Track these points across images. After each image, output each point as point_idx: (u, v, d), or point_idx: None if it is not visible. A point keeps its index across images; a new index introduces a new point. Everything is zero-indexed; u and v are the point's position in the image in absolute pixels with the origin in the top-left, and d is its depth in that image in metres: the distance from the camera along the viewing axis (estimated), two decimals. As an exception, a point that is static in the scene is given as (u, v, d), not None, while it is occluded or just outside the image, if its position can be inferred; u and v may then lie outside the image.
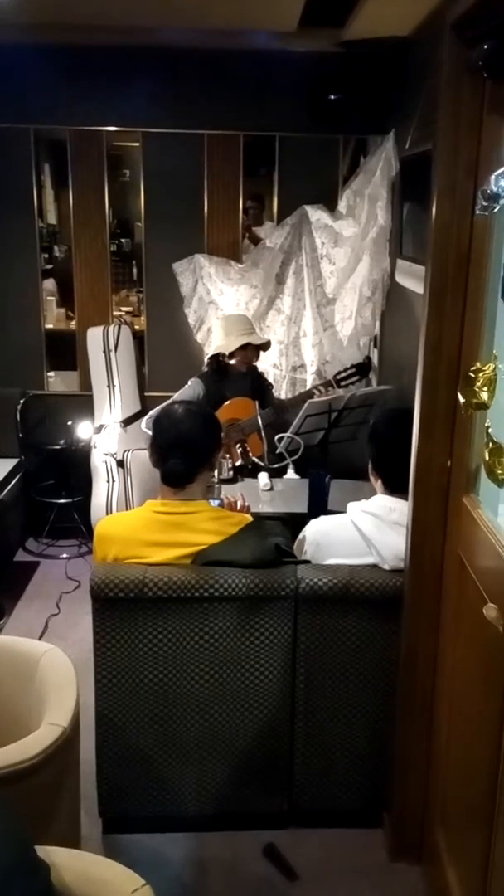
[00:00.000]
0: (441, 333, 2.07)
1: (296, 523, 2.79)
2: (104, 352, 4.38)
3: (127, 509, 4.11)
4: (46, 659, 2.20)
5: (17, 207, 4.35)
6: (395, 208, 3.77)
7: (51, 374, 4.69)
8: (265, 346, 3.99)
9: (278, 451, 3.59)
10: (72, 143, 4.30)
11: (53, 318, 5.10)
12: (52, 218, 5.99)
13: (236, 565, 2.32)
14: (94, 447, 4.34)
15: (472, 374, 1.85)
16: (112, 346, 4.38)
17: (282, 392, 4.34)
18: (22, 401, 4.46)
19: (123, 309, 5.62)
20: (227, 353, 3.85)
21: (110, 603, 2.29)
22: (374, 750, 2.45)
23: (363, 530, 2.41)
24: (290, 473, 3.64)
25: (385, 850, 2.44)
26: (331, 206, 4.21)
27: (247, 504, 2.90)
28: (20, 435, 4.46)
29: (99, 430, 4.37)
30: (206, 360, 4.07)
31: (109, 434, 4.32)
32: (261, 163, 4.69)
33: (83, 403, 4.52)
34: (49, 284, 5.16)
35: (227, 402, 3.83)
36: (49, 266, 5.34)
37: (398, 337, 3.86)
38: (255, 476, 3.53)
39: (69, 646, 2.70)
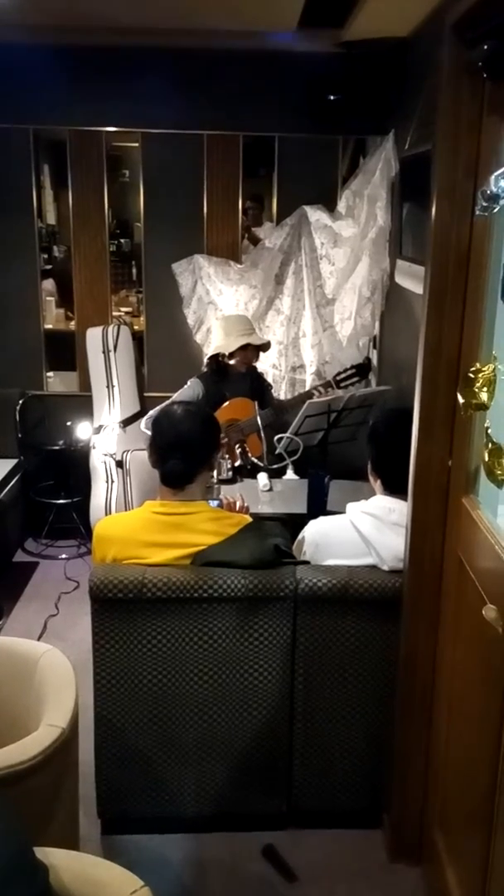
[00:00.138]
0: (441, 334, 2.07)
1: (295, 524, 2.79)
2: (103, 352, 4.38)
3: (126, 510, 4.11)
4: (45, 660, 2.19)
5: (16, 208, 4.35)
6: (395, 209, 3.77)
7: (50, 374, 4.69)
8: (265, 346, 3.99)
9: (277, 451, 3.59)
10: (71, 143, 4.30)
11: (53, 318, 5.10)
12: (51, 218, 6.00)
13: (235, 566, 2.31)
14: (94, 448, 4.34)
15: (472, 375, 1.85)
16: (111, 347, 4.38)
17: (281, 393, 4.34)
18: (21, 401, 4.46)
19: (123, 309, 5.62)
20: (226, 354, 3.85)
21: (109, 603, 2.29)
22: (374, 751, 2.45)
23: (362, 531, 2.41)
24: (290, 474, 3.63)
25: (384, 851, 2.44)
26: (330, 206, 4.21)
27: (246, 505, 2.90)
28: (19, 435, 4.46)
29: (98, 430, 4.37)
30: (205, 360, 4.07)
31: (109, 434, 4.31)
32: (260, 163, 4.70)
33: (82, 404, 4.52)
34: (48, 285, 5.16)
35: (227, 403, 3.83)
36: (48, 266, 5.34)
37: (398, 337, 3.86)
38: (254, 477, 3.53)
39: (68, 646, 2.69)
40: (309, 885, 2.33)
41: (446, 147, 1.98)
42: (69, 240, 4.55)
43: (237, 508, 2.85)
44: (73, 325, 4.69)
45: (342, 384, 3.91)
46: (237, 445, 3.66)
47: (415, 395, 2.15)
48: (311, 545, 2.48)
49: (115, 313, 4.90)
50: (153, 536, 2.36)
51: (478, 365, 1.88)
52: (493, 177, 1.67)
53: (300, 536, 2.56)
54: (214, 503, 2.74)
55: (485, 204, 1.71)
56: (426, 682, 2.27)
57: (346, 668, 2.39)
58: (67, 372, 4.73)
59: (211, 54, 4.00)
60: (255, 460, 3.59)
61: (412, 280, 3.38)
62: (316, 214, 4.19)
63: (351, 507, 2.48)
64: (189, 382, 3.85)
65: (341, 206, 4.18)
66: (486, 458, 1.77)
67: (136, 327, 4.90)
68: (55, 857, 1.55)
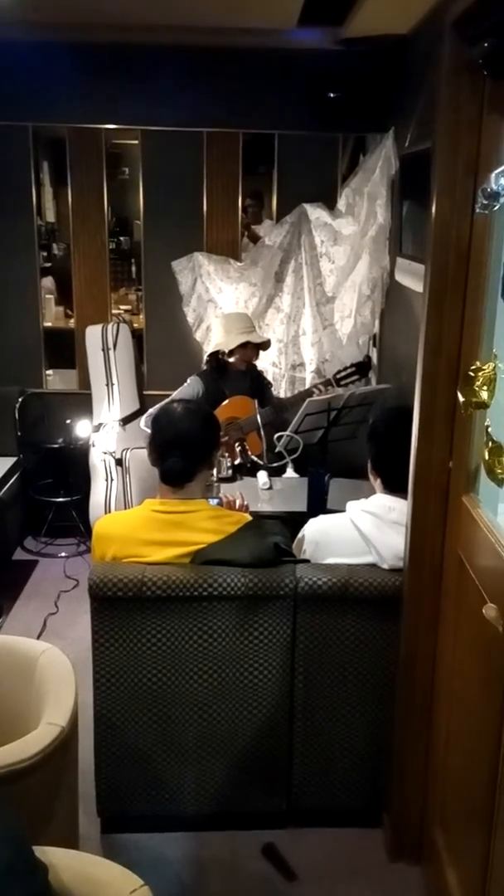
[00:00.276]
0: (441, 332, 2.06)
1: (295, 522, 2.78)
2: (103, 350, 4.37)
3: (126, 508, 4.11)
4: (45, 658, 2.19)
5: (15, 205, 4.34)
6: (395, 206, 3.77)
7: (49, 372, 4.69)
8: (265, 344, 3.99)
9: (277, 449, 3.59)
10: (71, 140, 4.30)
11: (52, 316, 5.09)
12: (50, 216, 5.99)
13: (235, 564, 2.31)
14: (93, 446, 4.33)
15: (472, 373, 1.84)
16: (111, 345, 4.37)
17: (281, 391, 4.34)
18: (20, 399, 4.46)
19: (122, 307, 5.62)
20: (226, 351, 3.84)
21: (109, 602, 2.28)
22: (374, 749, 2.45)
23: (362, 529, 2.41)
24: (290, 472, 3.63)
25: (384, 850, 2.44)
26: (330, 204, 4.21)
27: (246, 503, 2.90)
28: (19, 433, 4.46)
29: (98, 428, 4.36)
30: (205, 358, 4.07)
31: (108, 432, 4.31)
32: (260, 161, 4.69)
33: (82, 402, 4.52)
34: (48, 282, 5.15)
35: (227, 401, 3.82)
36: (48, 264, 5.34)
37: (397, 335, 3.86)
38: (254, 475, 3.53)
39: (68, 645, 2.69)
40: (309, 883, 2.33)
41: (446, 145, 1.97)
42: (69, 237, 4.55)
43: (237, 507, 2.85)
44: (72, 322, 4.68)
45: (342, 382, 3.90)
46: (237, 444, 3.65)
47: (415, 393, 2.14)
48: (311, 544, 2.48)
49: (114, 311, 4.89)
50: (153, 535, 2.36)
51: (478, 363, 1.88)
52: (493, 174, 1.67)
53: (300, 535, 2.56)
54: (214, 501, 2.74)
55: (485, 202, 1.71)
56: (426, 680, 2.27)
57: (346, 666, 2.39)
58: (67, 370, 4.73)
59: (211, 51, 4.00)
60: (255, 458, 3.59)
61: (412, 278, 3.38)
62: (316, 212, 4.18)
63: (351, 505, 2.48)
64: (189, 380, 3.84)
65: (341, 203, 4.17)
66: (487, 457, 1.77)
67: (135, 325, 4.89)
68: (54, 856, 1.55)
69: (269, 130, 4.27)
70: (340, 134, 4.30)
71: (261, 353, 4.01)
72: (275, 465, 3.61)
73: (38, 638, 3.44)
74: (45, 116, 4.24)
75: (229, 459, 3.58)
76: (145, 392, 4.52)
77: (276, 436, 3.59)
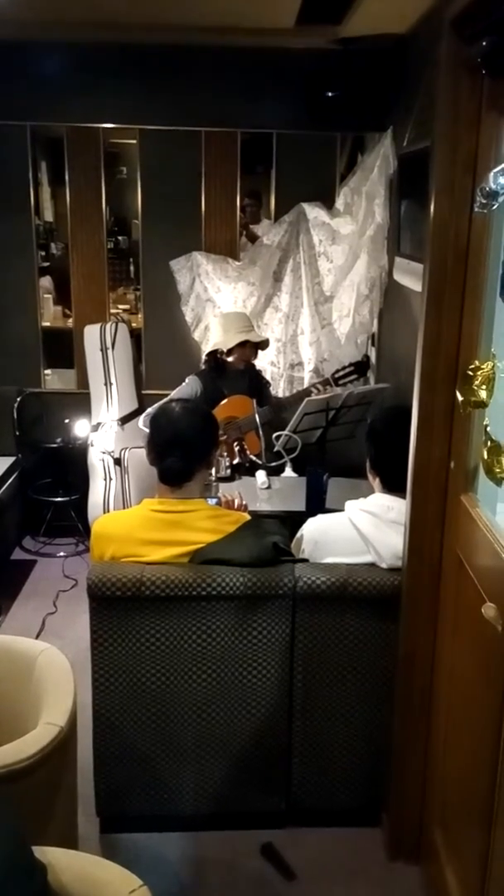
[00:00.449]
0: (439, 331, 2.06)
1: (294, 522, 2.78)
2: (101, 350, 4.37)
3: (124, 507, 4.10)
4: (43, 658, 2.19)
5: (13, 205, 4.34)
6: (393, 206, 3.77)
7: (48, 371, 4.69)
8: (263, 344, 3.99)
9: (276, 449, 3.59)
10: (69, 140, 4.29)
11: (50, 315, 5.08)
12: (48, 215, 5.98)
13: (234, 564, 2.31)
14: (92, 445, 4.33)
15: (471, 373, 1.84)
16: (109, 344, 4.37)
17: (279, 390, 4.33)
18: (19, 399, 4.45)
19: (120, 306, 5.61)
20: (224, 351, 3.84)
21: (107, 602, 2.28)
22: (373, 749, 2.45)
23: (361, 529, 2.41)
24: (288, 472, 3.63)
25: (383, 850, 2.44)
26: (328, 203, 4.21)
27: (244, 502, 2.89)
28: (17, 433, 4.45)
29: (96, 428, 4.36)
30: (203, 357, 4.07)
31: (106, 432, 4.31)
32: (258, 160, 4.68)
33: (80, 401, 4.51)
34: (46, 282, 5.15)
35: (225, 400, 3.82)
36: (46, 264, 5.33)
37: (396, 335, 3.86)
38: (252, 474, 3.53)
39: (66, 645, 2.69)
40: (308, 883, 2.33)
41: (445, 144, 1.97)
42: (67, 237, 4.54)
43: (235, 506, 2.84)
44: (70, 322, 4.68)
45: (340, 382, 3.90)
46: (235, 443, 3.65)
47: (413, 392, 2.14)
48: (310, 543, 2.48)
49: (112, 311, 4.89)
50: (151, 534, 2.36)
51: (477, 362, 1.87)
52: (491, 173, 1.67)
53: (299, 534, 2.56)
54: (213, 501, 2.74)
55: (483, 201, 1.70)
56: (425, 680, 2.27)
57: (345, 666, 2.38)
58: (65, 369, 4.73)
59: (209, 51, 3.99)
60: (254, 458, 3.58)
61: (410, 277, 3.38)
62: (314, 211, 4.18)
63: (349, 504, 2.48)
64: (187, 380, 3.84)
65: (339, 203, 4.17)
66: (485, 456, 1.76)
67: (133, 325, 4.89)
68: (53, 856, 1.55)
69: (268, 130, 4.27)
70: (339, 133, 4.30)
71: (259, 352, 4.01)
72: (273, 464, 3.61)
73: (36, 638, 3.43)
74: (43, 116, 4.23)
75: (228, 459, 3.57)
76: (144, 391, 4.52)
77: (274, 435, 3.59)
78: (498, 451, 1.73)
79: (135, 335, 4.58)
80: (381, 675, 2.38)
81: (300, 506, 3.12)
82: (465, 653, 2.00)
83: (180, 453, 2.36)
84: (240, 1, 3.22)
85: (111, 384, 4.38)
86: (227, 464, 3.56)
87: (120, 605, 2.28)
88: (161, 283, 4.39)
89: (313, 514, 2.61)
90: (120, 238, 6.35)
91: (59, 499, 4.57)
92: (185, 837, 2.48)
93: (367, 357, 4.14)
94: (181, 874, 2.36)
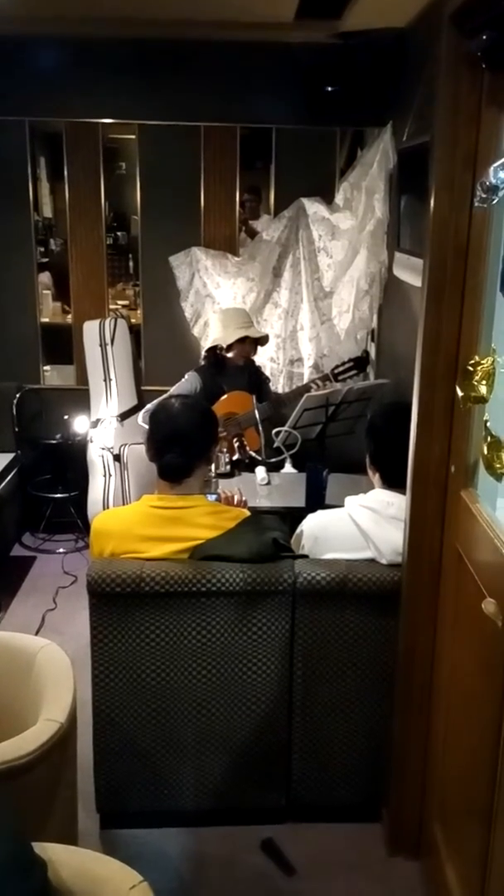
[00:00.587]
0: (439, 327, 2.06)
1: (293, 517, 2.78)
2: (100, 346, 4.36)
3: (124, 504, 4.10)
4: (43, 654, 2.19)
5: (12, 201, 4.33)
6: (393, 201, 3.76)
7: (47, 368, 4.68)
8: (263, 339, 3.98)
9: (276, 445, 3.58)
10: (68, 135, 4.28)
11: (49, 311, 5.08)
12: (47, 211, 5.98)
13: (234, 560, 2.31)
14: (91, 441, 4.33)
15: (471, 368, 1.84)
16: (108, 340, 4.36)
17: (279, 386, 4.33)
18: (18, 395, 4.45)
19: (120, 302, 5.61)
20: (224, 347, 3.84)
21: (107, 598, 2.28)
22: (373, 744, 2.45)
23: (361, 525, 2.40)
24: (288, 468, 3.63)
25: (383, 845, 2.44)
26: (328, 198, 4.20)
27: (244, 498, 2.89)
28: (16, 429, 4.45)
29: (95, 424, 4.35)
30: (203, 353, 4.06)
31: (106, 428, 4.30)
32: (257, 155, 4.68)
33: (79, 397, 4.51)
34: (45, 278, 5.14)
35: (225, 396, 3.82)
36: (45, 260, 5.33)
37: (396, 330, 3.85)
38: (252, 470, 3.52)
39: (66, 641, 2.70)
40: (308, 878, 2.33)
41: (445, 138, 1.96)
42: (66, 233, 4.53)
43: (235, 502, 2.84)
44: (69, 318, 4.67)
45: (340, 377, 3.90)
46: (235, 439, 3.65)
47: (413, 388, 2.14)
48: (310, 539, 2.48)
49: (111, 306, 4.88)
50: (151, 530, 2.35)
51: (476, 358, 1.87)
52: (491, 168, 1.66)
53: (298, 530, 2.56)
54: (212, 497, 2.74)
55: (483, 195, 1.70)
56: (425, 675, 2.27)
57: (345, 661, 2.38)
58: (64, 365, 4.72)
59: (208, 45, 3.98)
60: (253, 454, 3.58)
61: (410, 273, 3.37)
62: (314, 207, 4.17)
63: (349, 500, 2.48)
64: (186, 376, 3.84)
65: (339, 198, 4.16)
66: (485, 452, 1.76)
67: (133, 320, 4.88)
68: (53, 853, 1.55)
69: (267, 125, 4.26)
70: (338, 128, 4.29)
71: (259, 348, 4.00)
72: (273, 460, 3.60)
73: (36, 634, 3.42)
74: (41, 111, 4.22)
75: (227, 455, 3.57)
76: (143, 387, 4.51)
77: (274, 431, 3.59)
78: (498, 447, 1.72)
79: (134, 331, 4.57)
80: (381, 671, 2.38)
81: (300, 502, 3.12)
82: (465, 648, 1.99)
83: (180, 449, 2.35)
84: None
85: (110, 380, 4.38)
86: (227, 460, 3.55)
87: (120, 602, 2.28)
88: (160, 279, 4.39)
89: (313, 510, 2.61)
90: (119, 234, 6.34)
91: (58, 495, 4.56)
92: (185, 833, 2.48)
93: (366, 353, 4.14)
94: (181, 870, 2.36)
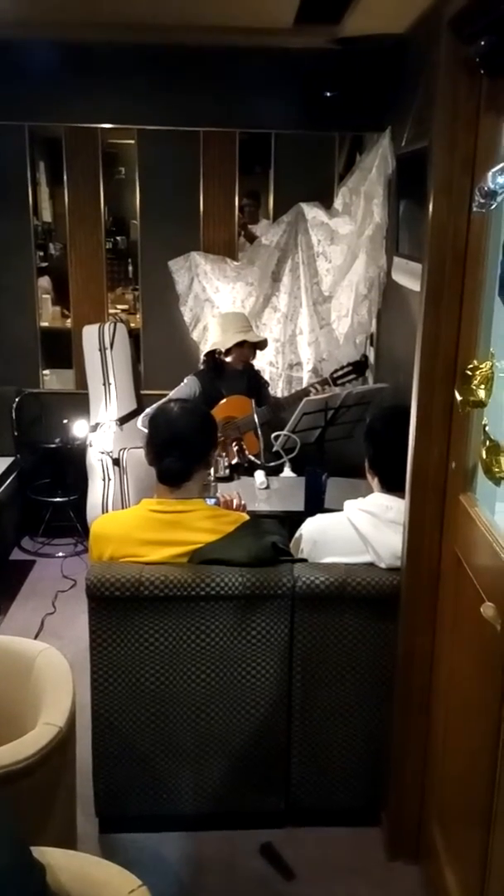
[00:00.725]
0: (438, 331, 2.06)
1: (292, 521, 2.78)
2: (100, 350, 4.37)
3: (123, 508, 4.10)
4: (42, 658, 2.19)
5: (12, 205, 4.34)
6: (392, 206, 3.77)
7: (46, 372, 4.68)
8: (262, 344, 3.99)
9: (275, 449, 3.59)
10: (67, 140, 4.29)
11: (49, 316, 5.08)
12: (47, 216, 5.98)
13: (233, 564, 2.31)
14: (90, 445, 4.33)
15: (469, 372, 1.84)
16: (108, 344, 4.37)
17: (278, 390, 4.33)
18: (17, 399, 4.45)
19: (119, 307, 5.61)
20: (223, 351, 3.84)
21: (106, 602, 2.28)
22: (372, 748, 2.45)
23: (360, 528, 2.40)
24: (287, 472, 3.63)
25: (382, 849, 2.43)
26: (327, 203, 4.20)
27: (243, 502, 2.89)
28: (15, 433, 4.45)
29: (95, 428, 4.36)
30: (202, 357, 4.07)
31: (105, 432, 4.31)
32: (257, 160, 4.68)
33: (79, 401, 4.51)
34: (44, 282, 5.15)
35: (224, 401, 3.82)
36: (44, 264, 5.33)
37: (394, 335, 3.86)
38: (251, 474, 3.53)
39: (65, 645, 2.70)
40: (307, 883, 2.33)
41: (443, 143, 1.97)
42: (65, 237, 4.54)
43: (234, 506, 2.85)
44: (69, 322, 4.68)
45: (339, 382, 3.91)
46: (234, 443, 3.65)
47: (412, 392, 2.14)
48: (309, 543, 2.48)
49: (111, 311, 4.88)
50: (150, 534, 2.35)
51: (475, 362, 1.87)
52: (490, 173, 1.67)
53: (297, 534, 2.56)
54: (211, 501, 2.74)
55: (482, 200, 1.70)
56: (424, 679, 2.27)
57: (344, 665, 2.38)
58: (64, 370, 4.72)
59: (207, 50, 3.99)
60: (252, 458, 3.59)
61: (409, 277, 3.38)
62: (313, 211, 4.18)
63: (348, 504, 2.48)
64: (186, 380, 3.84)
65: (338, 203, 4.17)
66: (484, 456, 1.76)
67: (132, 325, 4.88)
68: (52, 857, 1.55)
69: (266, 130, 4.27)
70: (337, 133, 4.30)
71: (258, 352, 4.01)
72: (272, 464, 3.61)
73: (35, 638, 3.43)
74: (41, 116, 4.23)
75: (226, 459, 3.57)
76: (142, 392, 4.51)
77: (273, 435, 3.59)
78: (496, 451, 1.73)
79: (133, 335, 4.58)
80: (380, 675, 2.38)
81: (299, 506, 3.12)
82: (464, 652, 2.00)
83: (179, 453, 2.36)
84: (238, 1, 3.22)
85: (110, 384, 4.38)
86: (226, 464, 3.56)
87: (119, 606, 2.28)
88: (159, 284, 4.39)
89: (312, 514, 2.61)
90: (118, 238, 6.35)
91: (57, 499, 4.56)
92: (184, 837, 2.47)
93: (365, 357, 4.14)
94: (180, 874, 2.36)
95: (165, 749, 2.41)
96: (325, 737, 2.44)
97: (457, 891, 2.02)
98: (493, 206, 1.72)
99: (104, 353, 4.37)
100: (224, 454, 3.58)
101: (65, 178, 4.35)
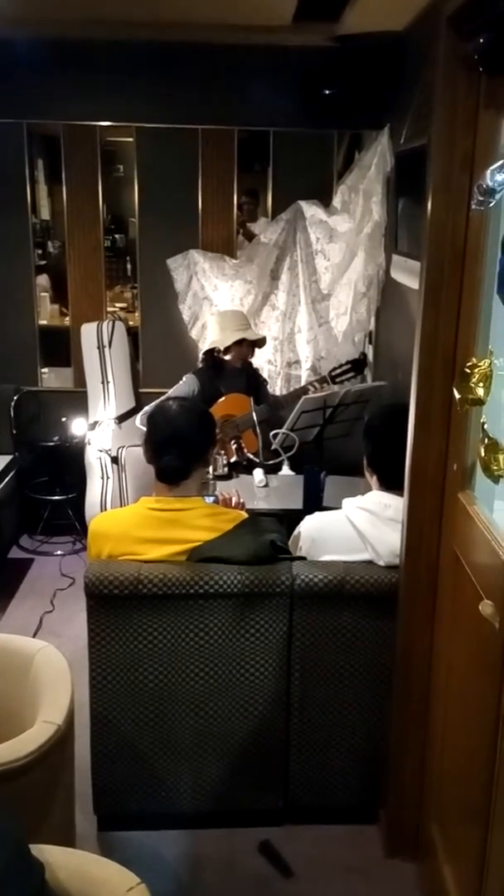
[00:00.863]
0: (436, 329, 2.06)
1: (291, 520, 2.78)
2: (98, 348, 4.37)
3: (121, 506, 4.10)
4: (41, 656, 2.19)
5: (10, 203, 4.33)
6: (390, 203, 3.76)
7: (44, 370, 4.68)
8: (260, 342, 3.98)
9: (273, 447, 3.59)
10: (65, 138, 4.29)
11: (47, 314, 5.08)
12: (45, 213, 5.98)
13: (231, 562, 2.31)
14: (89, 444, 4.33)
15: (468, 370, 1.84)
16: (106, 343, 4.37)
17: (276, 388, 4.33)
18: (15, 397, 4.44)
19: (117, 305, 5.61)
20: (221, 349, 3.84)
21: (105, 600, 2.28)
22: (370, 746, 2.45)
23: (358, 526, 2.40)
24: (286, 470, 3.63)
25: (381, 847, 2.44)
26: (325, 201, 4.20)
27: (242, 500, 2.89)
28: (14, 431, 4.44)
29: (93, 426, 4.36)
30: (200, 356, 4.07)
31: (104, 430, 4.31)
32: (255, 158, 4.68)
33: (77, 400, 4.51)
34: (43, 280, 5.14)
35: (222, 399, 3.82)
36: (43, 262, 5.33)
37: (393, 333, 3.85)
38: (250, 472, 3.53)
39: (63, 643, 2.70)
40: (305, 880, 2.33)
41: (442, 141, 1.97)
42: (63, 235, 4.54)
43: (233, 504, 2.85)
44: (67, 320, 4.67)
45: (338, 380, 3.91)
46: (233, 441, 3.65)
47: (411, 390, 2.14)
48: (307, 541, 2.48)
49: (109, 309, 4.88)
50: (149, 532, 2.35)
51: (474, 360, 1.87)
52: (488, 171, 1.66)
53: (296, 532, 2.56)
54: (210, 499, 2.74)
55: (480, 198, 1.70)
56: (422, 677, 2.27)
57: (342, 663, 2.38)
58: (62, 368, 4.72)
59: (206, 48, 3.99)
60: (251, 456, 3.59)
61: (408, 275, 3.38)
62: (311, 209, 4.18)
63: (347, 502, 2.48)
64: (184, 378, 3.84)
65: (337, 200, 4.17)
66: (483, 454, 1.76)
67: (130, 323, 4.88)
68: (51, 855, 1.55)
69: (265, 127, 4.27)
70: (336, 131, 4.30)
71: (256, 350, 4.01)
72: (271, 462, 3.61)
73: (34, 636, 3.43)
74: (39, 114, 4.23)
75: (225, 457, 3.57)
76: (141, 390, 4.51)
77: (271, 433, 3.59)
78: (495, 449, 1.73)
79: (132, 333, 4.57)
80: (379, 673, 2.38)
81: (297, 504, 3.13)
82: (463, 650, 2.00)
83: (177, 451, 2.35)
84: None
85: (108, 382, 4.38)
86: (225, 462, 3.56)
87: (117, 604, 2.28)
88: (158, 282, 4.39)
89: (310, 512, 2.62)
90: (117, 236, 6.35)
91: (56, 497, 4.56)
92: (182, 835, 2.48)
93: (364, 355, 4.14)
94: (179, 872, 2.36)
95: (164, 747, 2.41)
96: (323, 734, 2.44)
97: (455, 888, 2.02)
98: (491, 204, 1.72)
99: (103, 351, 4.36)
100: (223, 452, 3.57)
101: (63, 175, 4.35)
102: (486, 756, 1.73)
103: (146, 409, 3.36)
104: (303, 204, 4.19)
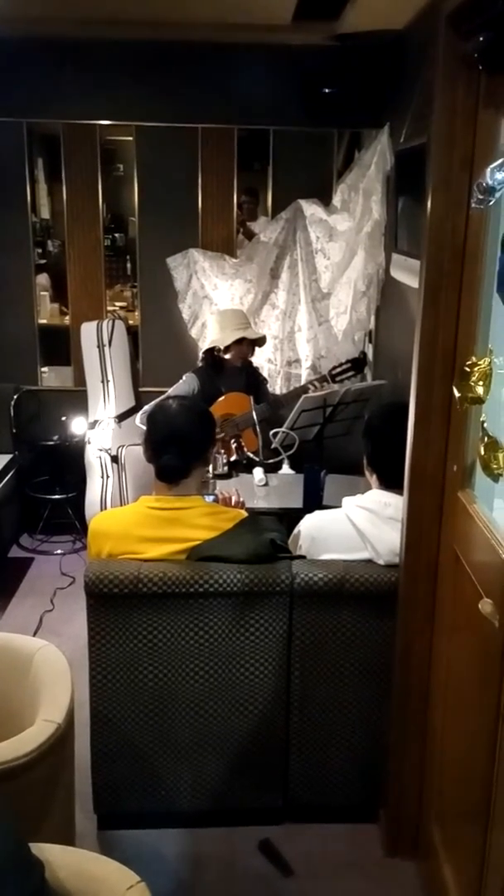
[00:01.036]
0: (436, 328, 2.06)
1: (291, 518, 2.78)
2: (98, 347, 4.37)
3: (121, 505, 4.10)
4: (41, 655, 2.19)
5: (10, 202, 4.34)
6: (390, 202, 3.76)
7: (44, 369, 4.68)
8: (260, 341, 3.98)
9: (273, 446, 3.59)
10: (65, 137, 4.29)
11: (47, 313, 5.08)
12: (45, 213, 5.97)
13: (231, 561, 2.31)
14: (89, 443, 4.33)
15: (468, 369, 1.84)
16: (106, 342, 4.37)
17: (276, 387, 4.33)
18: (15, 396, 4.45)
19: (117, 304, 5.61)
20: (221, 348, 3.84)
21: (105, 599, 2.28)
22: (370, 745, 2.45)
23: (358, 525, 2.40)
24: (285, 468, 3.63)
25: (380, 846, 2.44)
26: (325, 200, 4.20)
27: (242, 499, 2.89)
28: (14, 430, 4.45)
29: (93, 425, 4.36)
30: (200, 354, 4.07)
31: (104, 429, 4.31)
32: (255, 157, 4.68)
33: (77, 399, 4.51)
34: (42, 279, 5.14)
35: (222, 398, 3.82)
36: (42, 261, 5.32)
37: (393, 332, 3.85)
38: (249, 471, 3.53)
39: (63, 642, 2.70)
40: (305, 879, 2.33)
41: (441, 140, 1.97)
42: (63, 234, 4.54)
43: (233, 503, 2.85)
44: (67, 319, 4.67)
45: (337, 378, 3.91)
46: (232, 440, 3.65)
47: (410, 389, 2.14)
48: (307, 539, 2.48)
49: (109, 308, 4.88)
50: (148, 531, 2.35)
51: (474, 359, 1.87)
52: (488, 169, 1.66)
53: (296, 531, 2.56)
54: (210, 498, 2.74)
55: (480, 197, 1.70)
56: (422, 676, 2.27)
57: (342, 662, 2.39)
58: (62, 367, 4.72)
59: (205, 47, 3.98)
60: (251, 455, 3.59)
61: (407, 274, 3.38)
62: (311, 208, 4.17)
63: (346, 501, 2.48)
64: (184, 377, 3.84)
65: (336, 199, 4.17)
66: (482, 452, 1.76)
67: (130, 322, 4.88)
68: (51, 853, 1.55)
69: (265, 126, 4.27)
70: (335, 129, 4.30)
71: (256, 349, 4.01)
72: (271, 461, 3.61)
73: (34, 635, 3.43)
74: (39, 113, 4.23)
75: (225, 456, 3.57)
76: (141, 389, 4.51)
77: (271, 432, 3.59)
78: (495, 447, 1.73)
79: (132, 332, 4.57)
80: (379, 672, 2.38)
81: (297, 502, 3.13)
82: (462, 649, 2.00)
83: (177, 450, 2.35)
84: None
85: (108, 381, 4.38)
86: (225, 461, 3.56)
87: (117, 603, 2.28)
88: (158, 281, 4.39)
89: (310, 511, 2.61)
90: (117, 235, 6.34)
91: (56, 496, 4.56)
92: (182, 834, 2.48)
93: (364, 354, 4.14)
94: (179, 871, 2.36)
95: (164, 746, 2.41)
96: (323, 733, 2.44)
97: (455, 887, 2.02)
98: (491, 203, 1.72)
99: (102, 350, 4.36)
100: (223, 451, 3.58)
101: (63, 174, 4.35)
102: (485, 754, 1.73)
103: (146, 408, 3.36)
104: (303, 203, 4.19)
